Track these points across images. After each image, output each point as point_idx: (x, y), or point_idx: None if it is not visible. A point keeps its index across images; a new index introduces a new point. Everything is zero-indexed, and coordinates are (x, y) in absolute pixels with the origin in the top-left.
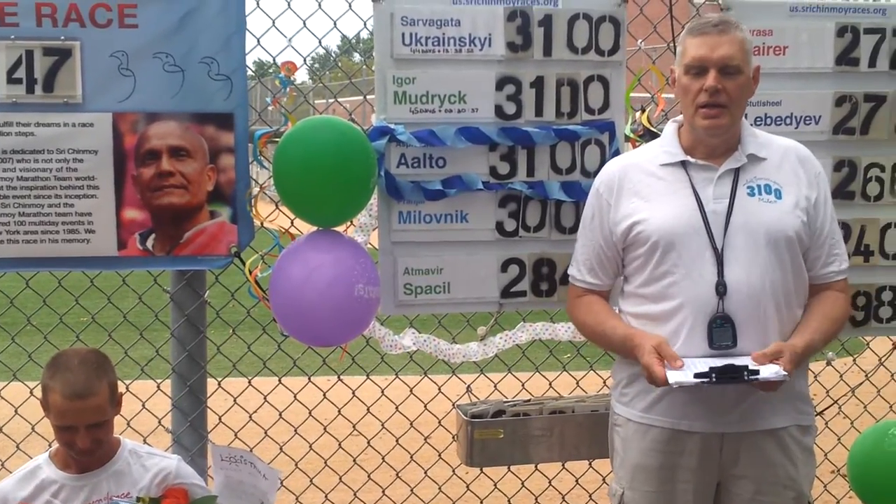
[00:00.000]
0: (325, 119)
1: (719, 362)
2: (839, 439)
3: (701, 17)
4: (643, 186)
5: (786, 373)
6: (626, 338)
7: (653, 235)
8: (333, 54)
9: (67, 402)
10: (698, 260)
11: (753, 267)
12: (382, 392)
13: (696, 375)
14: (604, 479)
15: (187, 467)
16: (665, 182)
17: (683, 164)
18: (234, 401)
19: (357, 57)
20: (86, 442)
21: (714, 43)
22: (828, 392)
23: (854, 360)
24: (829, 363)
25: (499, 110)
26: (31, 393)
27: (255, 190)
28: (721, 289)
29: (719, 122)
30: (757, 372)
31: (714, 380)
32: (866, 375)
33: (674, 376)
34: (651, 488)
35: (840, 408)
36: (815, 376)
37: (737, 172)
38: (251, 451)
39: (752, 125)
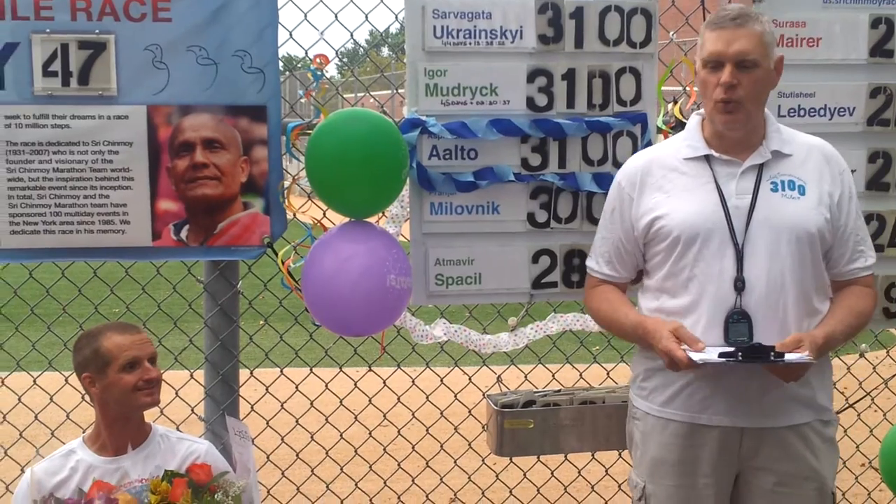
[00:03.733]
0: (357, 111)
1: (747, 345)
2: (871, 431)
3: (723, 8)
4: (666, 181)
5: (810, 356)
6: (638, 324)
7: (674, 230)
8: (363, 49)
9: (127, 336)
10: (718, 255)
11: (774, 263)
12: (413, 382)
13: (721, 355)
14: (631, 472)
15: (217, 453)
16: (688, 177)
17: (707, 158)
18: (266, 390)
19: (385, 51)
20: (152, 372)
21: (730, 37)
22: (860, 384)
23: (887, 352)
24: (861, 355)
25: (530, 102)
26: (66, 381)
27: (288, 181)
28: (739, 284)
29: (735, 117)
30: (782, 354)
31: (740, 358)
32: None
33: (697, 355)
34: (672, 482)
35: (873, 400)
36: (848, 368)
37: (761, 168)
38: (282, 439)
39: (785, 116)
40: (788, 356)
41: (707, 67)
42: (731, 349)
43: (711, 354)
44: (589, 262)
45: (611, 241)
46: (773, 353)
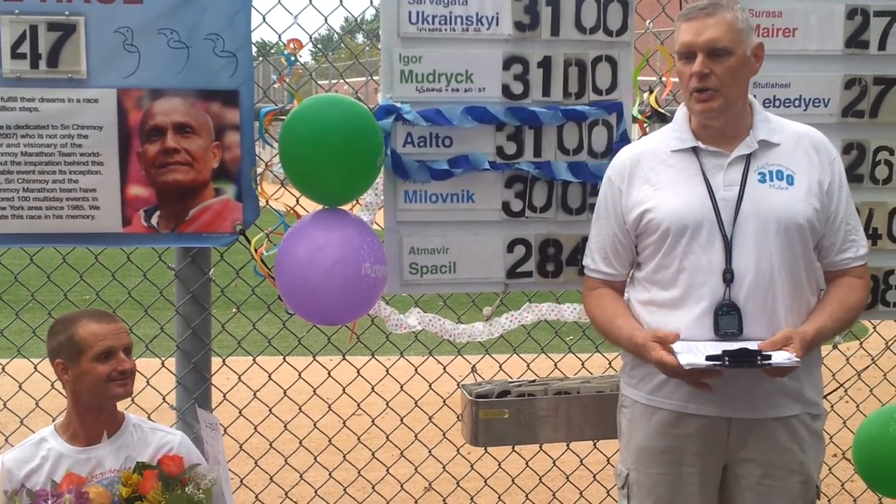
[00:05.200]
0: (332, 97)
1: (733, 346)
2: (844, 423)
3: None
4: (654, 174)
5: (798, 359)
6: (629, 339)
7: (663, 223)
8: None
9: (103, 324)
10: (707, 247)
11: (762, 254)
12: (387, 371)
13: (709, 358)
14: (608, 460)
15: (191, 444)
16: (675, 169)
17: (695, 150)
18: (239, 378)
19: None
20: (127, 363)
21: (700, 27)
22: (834, 375)
23: (860, 343)
24: (835, 346)
25: (506, 90)
26: (36, 368)
27: (261, 168)
28: (728, 276)
29: (710, 105)
30: (769, 357)
31: (727, 363)
32: (872, 359)
33: (685, 359)
34: (656, 471)
35: (846, 391)
36: (822, 360)
37: (748, 158)
38: (255, 428)
39: (762, 107)
40: (775, 358)
41: (682, 59)
42: (718, 352)
43: (700, 357)
44: (585, 261)
45: (606, 236)
46: (759, 357)
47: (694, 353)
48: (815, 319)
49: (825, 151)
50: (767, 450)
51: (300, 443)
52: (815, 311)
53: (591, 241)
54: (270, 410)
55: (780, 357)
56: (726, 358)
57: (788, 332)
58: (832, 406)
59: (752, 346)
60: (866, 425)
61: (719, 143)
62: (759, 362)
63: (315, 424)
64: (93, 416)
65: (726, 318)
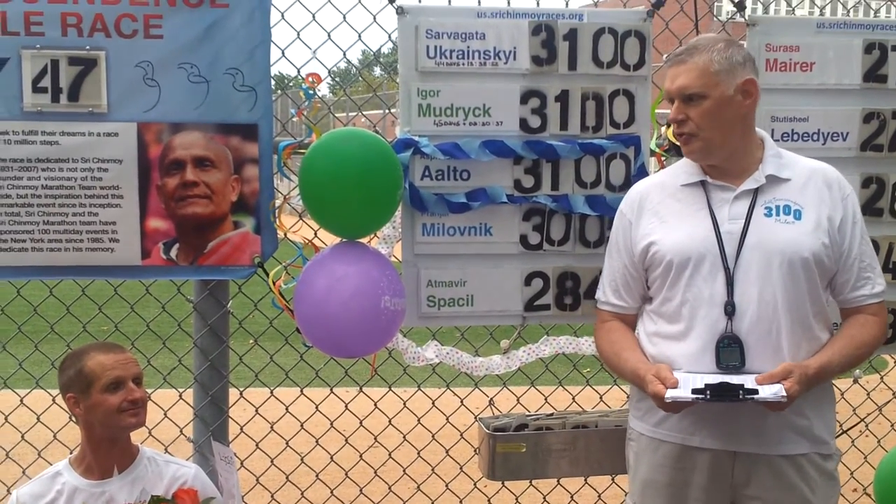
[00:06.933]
0: (352, 131)
1: (719, 379)
2: (865, 458)
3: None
4: (662, 207)
5: (784, 395)
6: (633, 372)
7: (667, 255)
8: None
9: (112, 355)
10: (710, 280)
11: (765, 288)
12: (405, 404)
13: (693, 392)
14: (626, 495)
15: (205, 477)
16: (683, 203)
17: (703, 184)
18: (256, 411)
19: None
20: (137, 392)
21: (674, 74)
22: (854, 410)
23: (881, 377)
24: (855, 381)
25: (523, 123)
26: (54, 401)
27: (279, 201)
28: (729, 309)
29: (691, 148)
30: (755, 391)
31: (708, 396)
32: (894, 393)
33: (671, 392)
34: None
35: (867, 426)
36: (842, 394)
37: (755, 193)
38: (272, 461)
39: (778, 140)
40: (763, 392)
41: (669, 104)
42: (702, 386)
43: (685, 390)
44: (597, 294)
45: (618, 269)
46: (742, 391)
47: (689, 385)
48: (821, 354)
49: (838, 188)
50: (773, 487)
51: (317, 476)
52: (824, 347)
53: (604, 273)
54: (287, 443)
55: (766, 391)
56: (707, 392)
57: (790, 365)
58: (853, 441)
59: (737, 379)
60: (887, 460)
61: (726, 178)
62: (741, 396)
63: (332, 457)
64: (106, 449)
65: (727, 350)
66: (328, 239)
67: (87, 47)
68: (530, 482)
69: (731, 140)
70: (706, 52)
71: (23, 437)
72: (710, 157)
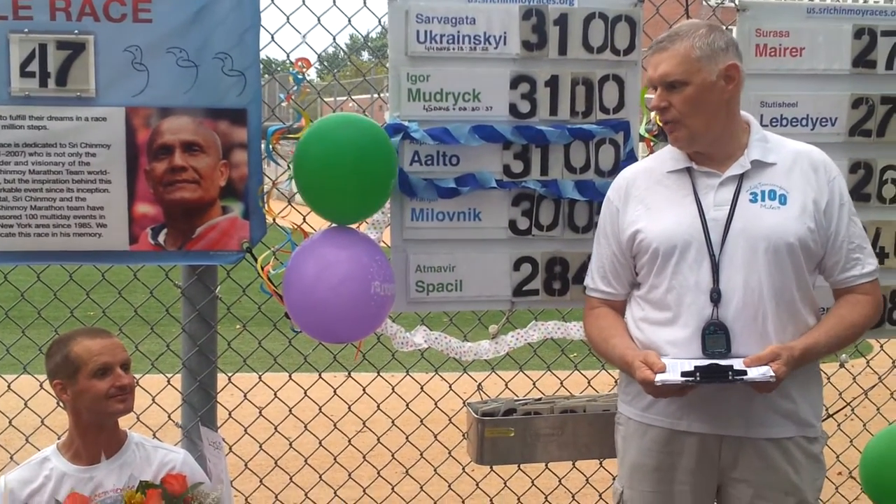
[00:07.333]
0: (348, 116)
1: (707, 362)
2: (851, 441)
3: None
4: (648, 194)
5: (773, 374)
6: (621, 358)
7: (653, 243)
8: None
9: (98, 340)
10: (695, 267)
11: (751, 274)
12: (393, 389)
13: (683, 374)
14: (614, 479)
15: (194, 462)
16: (669, 190)
17: (688, 170)
18: (245, 396)
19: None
20: (124, 378)
21: (655, 62)
22: (840, 394)
23: (867, 362)
24: (841, 365)
25: (513, 109)
26: (41, 386)
27: (268, 186)
28: (715, 296)
29: (676, 135)
30: (743, 372)
31: (698, 379)
32: (879, 378)
33: (661, 376)
34: (649, 488)
35: (853, 410)
36: (828, 378)
37: (740, 178)
38: (261, 446)
39: (767, 126)
40: (750, 374)
41: (653, 92)
42: (691, 368)
43: (674, 374)
44: (586, 281)
45: (606, 256)
46: (731, 372)
47: (677, 369)
48: (808, 335)
49: (824, 170)
50: (759, 469)
51: (305, 461)
52: (812, 328)
53: (592, 260)
54: (276, 428)
55: (754, 372)
56: (697, 374)
57: (776, 347)
58: (839, 425)
59: (726, 361)
60: (873, 444)
61: (711, 164)
62: (731, 378)
63: (320, 442)
64: (94, 435)
65: (713, 337)
66: (317, 224)
67: (76, 31)
68: (518, 467)
69: (714, 126)
70: (687, 38)
71: (10, 422)
72: (696, 145)
